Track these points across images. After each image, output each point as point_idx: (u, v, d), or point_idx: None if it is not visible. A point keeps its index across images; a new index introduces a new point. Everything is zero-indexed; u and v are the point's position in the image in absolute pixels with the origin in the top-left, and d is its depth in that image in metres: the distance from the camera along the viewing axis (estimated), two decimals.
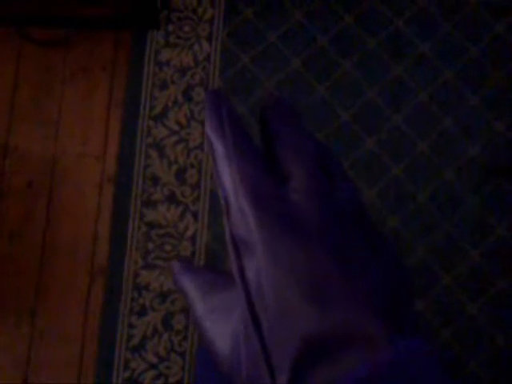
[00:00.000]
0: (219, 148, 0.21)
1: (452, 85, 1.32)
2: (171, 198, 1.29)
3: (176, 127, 1.33)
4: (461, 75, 1.32)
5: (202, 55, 1.36)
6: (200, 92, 1.34)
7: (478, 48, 1.33)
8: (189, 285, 0.23)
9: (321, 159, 0.22)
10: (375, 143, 1.29)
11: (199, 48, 1.37)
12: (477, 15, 1.35)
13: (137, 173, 1.31)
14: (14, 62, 1.40)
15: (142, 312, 1.24)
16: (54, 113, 1.37)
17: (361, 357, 0.17)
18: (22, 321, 1.27)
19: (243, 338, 0.19)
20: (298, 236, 0.19)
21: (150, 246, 1.27)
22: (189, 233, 1.28)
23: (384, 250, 0.20)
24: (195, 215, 1.28)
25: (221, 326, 0.21)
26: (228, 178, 0.21)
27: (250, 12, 1.37)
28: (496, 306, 1.21)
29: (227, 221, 0.21)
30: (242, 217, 0.20)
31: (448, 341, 1.19)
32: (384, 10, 1.35)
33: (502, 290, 1.22)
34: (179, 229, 1.28)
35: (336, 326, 0.17)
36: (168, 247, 1.27)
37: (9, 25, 1.38)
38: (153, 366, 1.22)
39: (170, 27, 1.38)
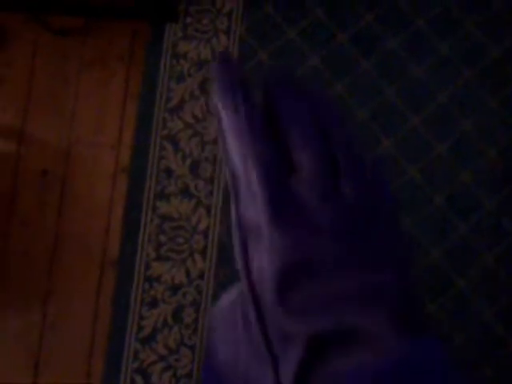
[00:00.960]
0: (230, 120, 0.20)
1: (472, 86, 1.31)
2: (184, 191, 1.30)
3: (192, 120, 1.33)
4: (481, 76, 1.31)
5: (220, 49, 1.36)
6: None
7: (499, 49, 1.32)
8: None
9: (328, 151, 0.21)
10: (392, 144, 1.29)
11: (217, 41, 1.37)
12: (499, 16, 1.34)
13: (151, 164, 1.31)
14: (31, 50, 1.40)
15: (152, 304, 1.25)
16: (69, 102, 1.37)
17: (367, 354, 0.17)
18: (33, 309, 1.28)
19: (242, 329, 0.19)
20: (305, 223, 0.19)
21: (163, 238, 1.28)
22: (201, 226, 1.28)
23: (399, 251, 0.20)
24: (208, 209, 1.29)
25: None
26: (238, 151, 0.20)
27: (269, 7, 1.36)
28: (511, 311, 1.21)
29: (235, 199, 0.20)
30: (250, 193, 0.19)
31: (461, 345, 1.19)
32: (405, 9, 1.35)
33: None
34: (192, 222, 1.29)
35: (342, 323, 0.17)
36: (180, 240, 1.28)
37: (26, 13, 1.38)
38: (162, 358, 1.23)
39: (189, 20, 1.37)
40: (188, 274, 1.26)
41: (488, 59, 1.32)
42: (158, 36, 1.37)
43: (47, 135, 1.36)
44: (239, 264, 0.20)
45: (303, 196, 0.19)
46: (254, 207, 0.19)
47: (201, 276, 1.26)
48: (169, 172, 1.31)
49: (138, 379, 1.22)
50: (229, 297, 0.21)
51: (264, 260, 0.18)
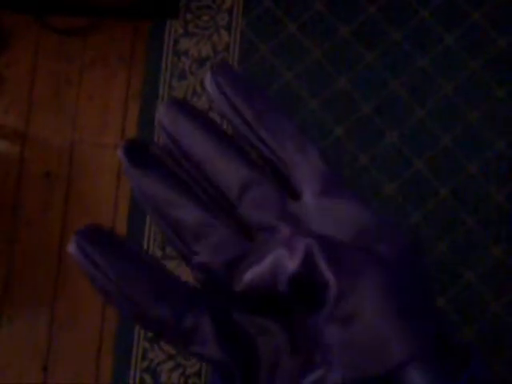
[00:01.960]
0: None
1: (478, 77, 1.30)
2: None
3: None
4: (487, 67, 1.30)
5: (221, 45, 1.36)
6: None
7: (505, 39, 1.31)
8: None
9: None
10: (397, 137, 1.29)
11: (218, 38, 1.36)
12: (504, 5, 1.32)
13: None
14: (32, 51, 1.41)
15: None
16: (72, 102, 1.38)
17: None
18: (41, 310, 1.29)
19: None
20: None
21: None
22: None
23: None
24: None
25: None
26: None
27: (270, 1, 1.36)
28: None
29: None
30: None
31: (471, 338, 1.19)
32: (409, 0, 1.34)
33: None
34: None
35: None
36: None
37: (28, 13, 1.39)
38: (171, 357, 1.24)
39: (189, 16, 1.37)
40: None
41: (494, 49, 1.31)
42: (158, 33, 1.37)
43: (50, 136, 1.37)
44: None
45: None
46: None
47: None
48: None
49: (147, 378, 1.23)
50: None
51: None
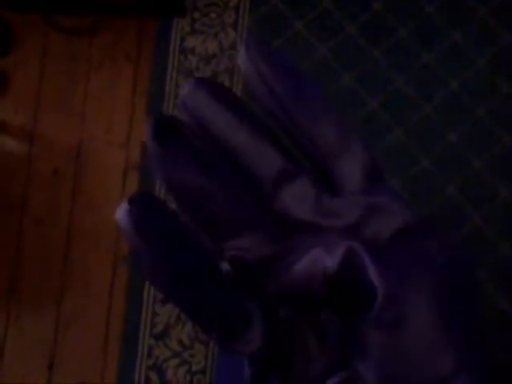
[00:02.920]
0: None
1: (484, 73, 1.31)
2: None
3: None
4: (493, 63, 1.31)
5: (228, 43, 1.37)
6: (225, 80, 1.35)
7: (511, 35, 1.32)
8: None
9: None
10: (403, 133, 1.29)
11: (224, 36, 1.38)
12: (510, 2, 1.33)
13: None
14: (40, 50, 1.43)
15: (165, 300, 1.27)
16: (79, 100, 1.40)
17: None
18: (47, 309, 1.30)
19: None
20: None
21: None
22: None
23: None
24: None
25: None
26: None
27: None
28: None
29: None
30: None
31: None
32: None
33: None
34: None
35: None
36: None
37: (35, 13, 1.41)
38: (176, 354, 1.24)
39: (196, 14, 1.39)
40: None
41: (500, 45, 1.31)
42: (165, 32, 1.39)
43: (58, 135, 1.39)
44: None
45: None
46: None
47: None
48: None
49: (153, 376, 1.24)
50: None
51: None
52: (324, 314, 0.17)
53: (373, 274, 0.16)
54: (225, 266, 0.18)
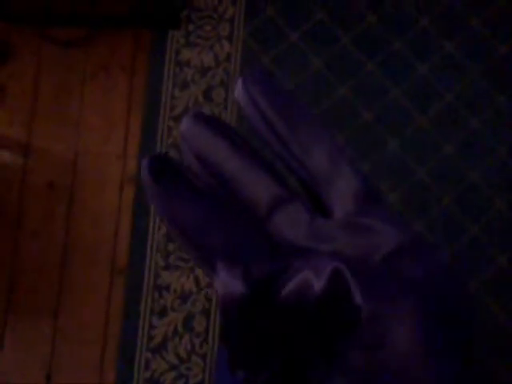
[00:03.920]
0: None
1: (479, 84, 1.32)
2: None
3: None
4: (488, 74, 1.33)
5: (223, 55, 1.39)
6: (220, 92, 1.37)
7: (505, 46, 1.34)
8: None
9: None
10: (399, 145, 1.31)
11: (220, 48, 1.39)
12: (504, 13, 1.35)
13: None
14: (34, 62, 1.44)
15: (162, 313, 1.28)
16: (74, 112, 1.41)
17: None
18: (44, 320, 1.31)
19: None
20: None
21: (171, 246, 1.31)
22: None
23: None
24: None
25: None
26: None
27: (271, 11, 1.39)
28: None
29: None
30: None
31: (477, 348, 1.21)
32: (408, 9, 1.37)
33: None
34: None
35: None
36: None
37: (30, 25, 1.42)
38: (173, 367, 1.25)
39: (191, 27, 1.41)
40: (197, 281, 1.29)
41: (494, 56, 1.33)
42: (160, 44, 1.40)
43: (53, 147, 1.40)
44: None
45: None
46: None
47: (210, 284, 1.28)
48: None
49: None
50: None
51: None
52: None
53: (358, 297, 0.16)
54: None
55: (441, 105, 1.32)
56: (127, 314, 1.29)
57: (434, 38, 1.36)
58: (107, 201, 1.36)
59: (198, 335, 1.27)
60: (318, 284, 0.16)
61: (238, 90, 0.20)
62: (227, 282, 0.17)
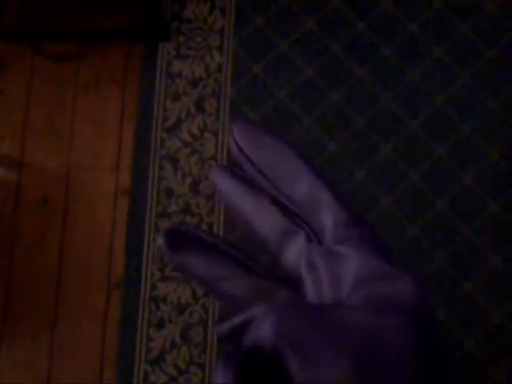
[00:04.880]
0: None
1: (469, 88, 1.35)
2: (186, 210, 1.34)
3: (189, 139, 1.38)
4: (478, 78, 1.35)
5: (214, 66, 1.41)
6: (212, 103, 1.39)
7: (494, 51, 1.36)
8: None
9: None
10: (391, 150, 1.33)
11: (210, 58, 1.42)
12: (492, 18, 1.38)
13: (151, 185, 1.36)
14: (26, 77, 1.46)
15: (160, 325, 1.29)
16: (66, 126, 1.42)
17: None
18: (41, 337, 1.32)
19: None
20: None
21: (167, 258, 1.32)
22: None
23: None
24: (210, 226, 1.33)
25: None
26: None
27: (260, 20, 1.42)
28: None
29: None
30: None
31: (472, 351, 1.22)
32: (397, 15, 1.40)
33: None
34: None
35: None
36: None
37: (21, 39, 1.44)
38: (173, 379, 1.26)
39: (181, 38, 1.43)
40: (194, 292, 1.30)
41: (484, 61, 1.36)
42: (151, 56, 1.42)
43: (46, 162, 1.41)
44: None
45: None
46: None
47: (207, 294, 1.29)
48: (169, 191, 1.35)
49: None
50: None
51: None
52: None
53: (293, 367, 0.17)
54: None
55: (431, 109, 1.35)
56: (124, 326, 1.30)
57: (423, 44, 1.38)
58: (101, 214, 1.38)
59: (196, 346, 1.28)
60: (261, 330, 0.17)
61: (231, 144, 0.23)
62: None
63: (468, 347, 1.23)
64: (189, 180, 1.36)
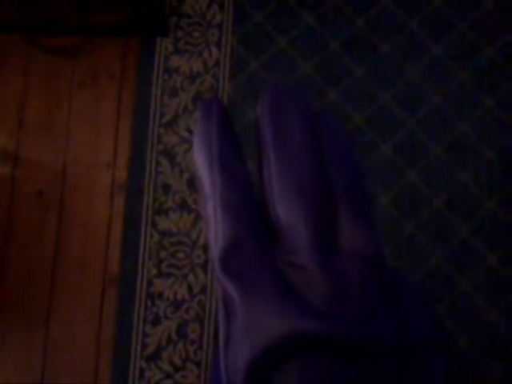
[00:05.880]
0: (204, 175, 0.19)
1: (467, 87, 1.36)
2: (183, 206, 1.35)
3: (187, 134, 1.39)
4: (476, 77, 1.37)
5: (212, 61, 1.42)
6: None
7: (492, 49, 1.38)
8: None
9: (326, 197, 0.18)
10: (389, 148, 1.34)
11: (208, 54, 1.42)
12: (491, 16, 1.39)
13: (148, 181, 1.36)
14: (23, 71, 1.46)
15: (155, 321, 1.30)
16: (63, 121, 1.43)
17: None
18: (35, 333, 1.32)
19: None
20: (281, 300, 0.17)
21: (163, 254, 1.33)
22: (201, 240, 1.33)
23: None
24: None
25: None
26: (210, 215, 0.19)
27: (259, 16, 1.42)
28: None
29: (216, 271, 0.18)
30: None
31: (466, 349, 1.24)
32: (397, 13, 1.41)
33: None
34: (192, 237, 1.33)
35: None
36: (181, 255, 1.33)
37: (18, 33, 1.44)
38: (168, 376, 1.27)
39: (179, 33, 1.43)
40: (190, 289, 1.31)
41: (482, 60, 1.37)
42: (149, 51, 1.43)
43: (42, 156, 1.41)
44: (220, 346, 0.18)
45: (288, 259, 0.18)
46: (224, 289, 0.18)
47: (203, 290, 1.30)
48: (166, 187, 1.36)
49: None
50: None
51: (236, 346, 0.17)
52: None
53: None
54: None
55: (429, 107, 1.36)
56: (120, 322, 1.30)
57: (421, 42, 1.40)
58: (98, 210, 1.38)
59: (192, 342, 1.29)
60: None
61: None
62: None
63: (462, 345, 1.24)
64: (186, 176, 1.37)
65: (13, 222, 1.38)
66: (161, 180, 1.37)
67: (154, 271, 1.32)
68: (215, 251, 0.18)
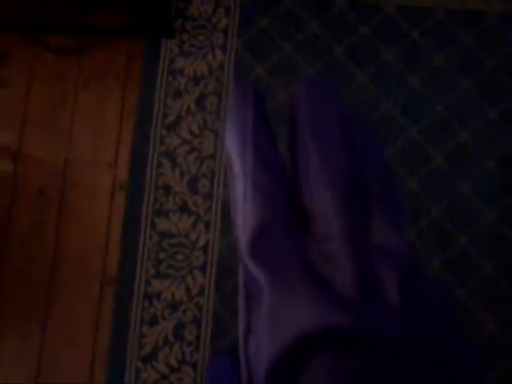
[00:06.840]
0: (236, 158, 0.19)
1: (469, 96, 1.38)
2: (183, 208, 1.36)
3: (189, 136, 1.40)
4: (478, 87, 1.38)
5: (216, 64, 1.43)
6: (213, 101, 1.41)
7: (495, 60, 1.39)
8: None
9: (355, 186, 0.18)
10: (390, 155, 1.36)
11: (213, 57, 1.44)
12: (494, 27, 1.41)
13: (149, 181, 1.37)
14: (27, 69, 1.47)
15: (153, 321, 1.30)
16: (66, 120, 1.44)
17: None
18: (32, 331, 1.33)
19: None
20: (312, 289, 0.16)
21: (162, 255, 1.34)
22: (201, 242, 1.34)
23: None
24: (207, 225, 1.35)
25: None
26: (240, 199, 0.18)
27: (265, 22, 1.44)
28: None
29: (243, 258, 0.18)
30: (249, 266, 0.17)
31: None
32: (400, 22, 1.42)
33: None
34: (191, 238, 1.34)
35: None
36: (180, 257, 1.33)
37: (23, 32, 1.46)
38: (164, 377, 1.28)
39: (185, 36, 1.45)
40: (188, 290, 1.31)
41: (484, 70, 1.39)
42: (154, 53, 1.44)
43: (44, 154, 1.42)
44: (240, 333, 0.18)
45: (319, 247, 0.17)
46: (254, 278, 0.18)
47: (201, 292, 1.31)
48: (167, 188, 1.37)
49: None
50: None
51: (260, 336, 0.16)
52: None
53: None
54: None
55: (431, 116, 1.38)
56: (117, 322, 1.31)
57: (424, 51, 1.41)
58: (98, 209, 1.39)
59: (188, 344, 1.29)
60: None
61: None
62: None
63: None
64: (187, 178, 1.38)
65: (13, 220, 1.39)
66: (161, 181, 1.38)
67: (153, 272, 1.33)
68: (244, 234, 0.17)
